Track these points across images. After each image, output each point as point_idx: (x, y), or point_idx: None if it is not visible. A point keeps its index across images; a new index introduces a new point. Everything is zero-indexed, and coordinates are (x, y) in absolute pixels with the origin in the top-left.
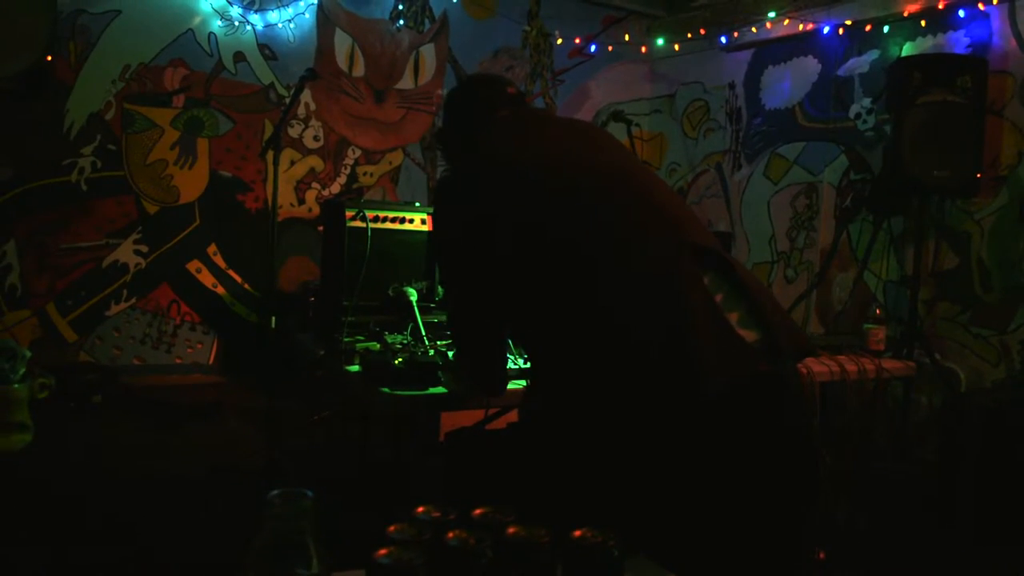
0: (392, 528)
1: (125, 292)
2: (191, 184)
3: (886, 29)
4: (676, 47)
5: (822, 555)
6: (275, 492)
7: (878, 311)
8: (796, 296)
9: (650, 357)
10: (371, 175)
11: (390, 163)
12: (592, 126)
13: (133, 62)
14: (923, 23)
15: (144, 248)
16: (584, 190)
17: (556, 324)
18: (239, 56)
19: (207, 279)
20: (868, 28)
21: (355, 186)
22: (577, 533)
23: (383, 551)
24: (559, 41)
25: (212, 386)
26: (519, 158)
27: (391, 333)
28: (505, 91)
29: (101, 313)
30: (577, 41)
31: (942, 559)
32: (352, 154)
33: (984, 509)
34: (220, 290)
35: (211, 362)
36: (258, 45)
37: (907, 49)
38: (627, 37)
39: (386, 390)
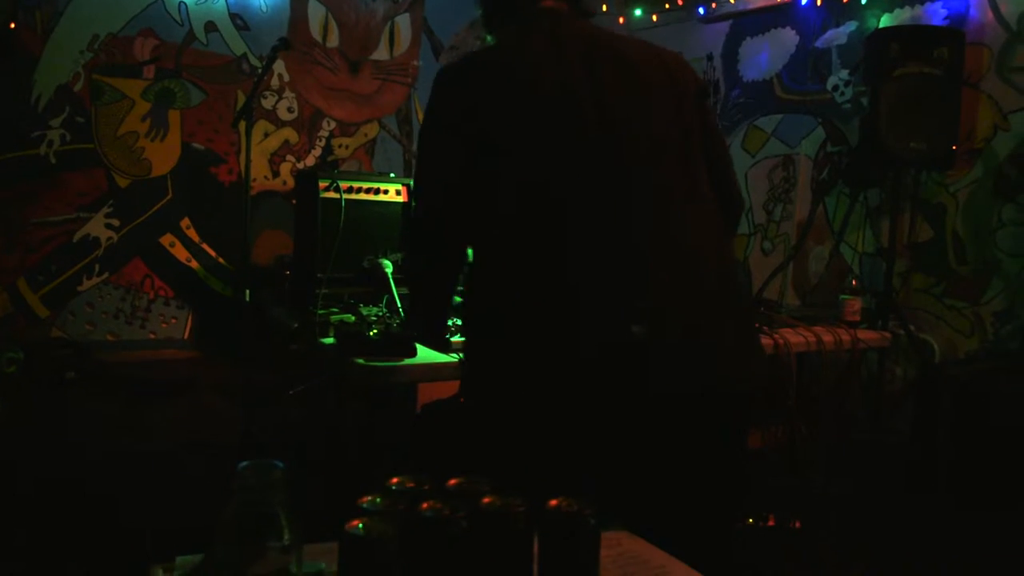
0: (365, 499)
1: (97, 267)
2: (163, 157)
3: (864, 0)
4: (654, 18)
5: (798, 524)
6: (245, 464)
7: (854, 282)
8: (773, 268)
9: (548, 313)
10: (346, 147)
11: (365, 135)
12: (651, 68)
13: (101, 32)
14: None
15: (116, 222)
16: (568, 137)
17: (479, 247)
18: (210, 26)
19: (181, 253)
20: None
21: (330, 158)
22: (553, 503)
23: (355, 522)
24: None
25: (187, 361)
26: (534, 71)
27: (366, 305)
28: None
29: (73, 288)
30: None
31: (916, 526)
32: (327, 126)
33: (957, 477)
34: (194, 264)
35: (185, 337)
36: (230, 15)
37: (885, 20)
38: (604, 8)
39: (361, 361)
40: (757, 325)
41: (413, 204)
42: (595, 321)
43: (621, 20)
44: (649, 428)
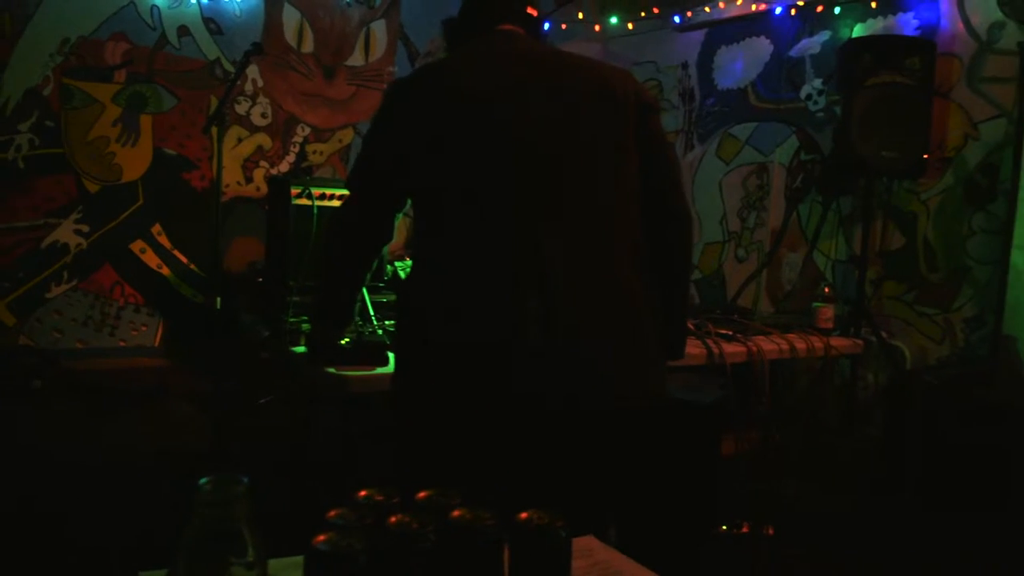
0: (333, 513)
1: (66, 274)
2: (134, 162)
3: (837, 10)
4: (630, 26)
5: (771, 530)
6: (206, 479)
7: (827, 290)
8: (747, 276)
9: (446, 312)
10: (321, 153)
11: (340, 141)
12: (586, 88)
13: (72, 35)
14: (873, 5)
15: (85, 228)
16: (490, 147)
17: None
18: (183, 30)
19: (151, 260)
20: (819, 9)
21: (304, 164)
22: (524, 515)
23: (322, 537)
24: None
25: (157, 369)
26: (471, 82)
27: None
28: (521, 9)
29: (41, 295)
30: None
31: (888, 531)
32: (301, 132)
33: (928, 482)
34: (165, 271)
35: (156, 344)
36: (203, 19)
37: (858, 30)
38: (580, 15)
39: (332, 370)
40: (731, 332)
41: (343, 204)
42: (489, 323)
43: (597, 28)
44: (532, 431)
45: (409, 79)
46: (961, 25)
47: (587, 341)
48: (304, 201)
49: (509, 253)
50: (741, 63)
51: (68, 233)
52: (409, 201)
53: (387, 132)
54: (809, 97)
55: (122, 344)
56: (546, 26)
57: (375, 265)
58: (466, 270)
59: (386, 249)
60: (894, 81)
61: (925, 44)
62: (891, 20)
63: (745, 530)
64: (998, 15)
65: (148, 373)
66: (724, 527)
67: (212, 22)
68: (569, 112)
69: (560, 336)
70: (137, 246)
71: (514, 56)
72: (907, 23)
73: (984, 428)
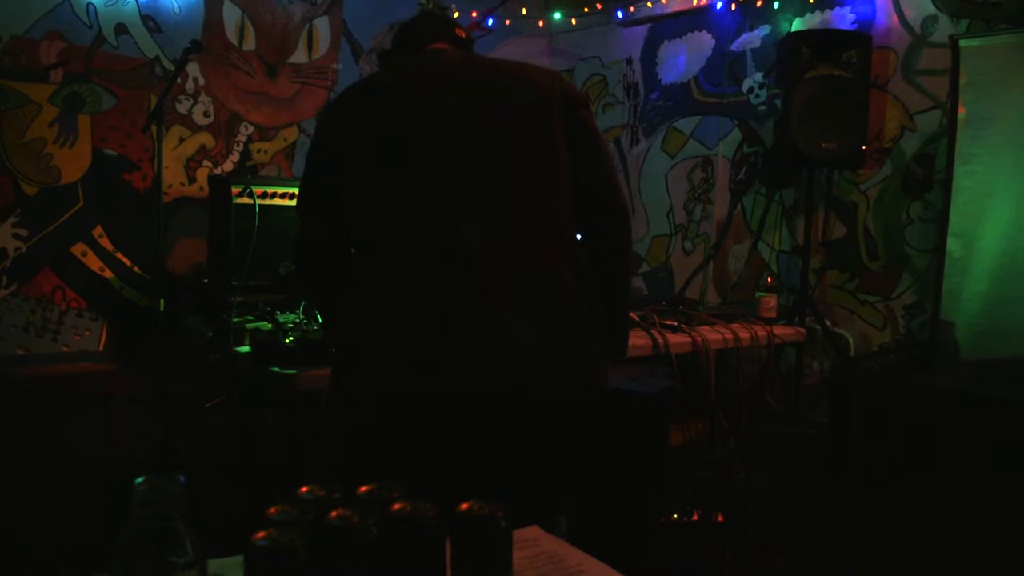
0: (273, 510)
1: (4, 279)
2: (73, 163)
3: (776, 5)
4: (573, 21)
5: (720, 517)
6: (142, 479)
7: (769, 280)
8: (694, 268)
9: (377, 317)
10: (265, 152)
11: (285, 139)
12: (510, 93)
13: (4, 34)
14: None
15: (23, 232)
16: (416, 153)
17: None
18: (121, 28)
19: (93, 263)
20: (759, 4)
21: (249, 163)
22: (464, 506)
23: (262, 533)
24: (456, 14)
25: (103, 374)
26: (398, 94)
27: (283, 312)
28: (450, 31)
29: None
30: (474, 15)
31: (835, 514)
32: (245, 131)
33: (872, 464)
34: (108, 274)
35: (100, 349)
36: (141, 17)
37: (796, 24)
38: (524, 11)
39: (276, 369)
40: (676, 323)
41: (299, 241)
42: (416, 326)
43: (541, 23)
44: (465, 425)
45: (338, 99)
46: (896, 19)
47: (515, 335)
48: (245, 200)
49: (434, 256)
50: (684, 58)
51: (6, 237)
52: None
53: (322, 153)
54: (751, 91)
55: (65, 350)
56: (490, 22)
57: None
58: (394, 276)
59: None
60: (832, 74)
61: (861, 37)
62: (828, 14)
63: (695, 518)
64: (931, 9)
65: (93, 378)
66: (674, 515)
67: (151, 20)
68: (492, 112)
69: (485, 332)
70: (78, 249)
71: (440, 66)
72: (843, 17)
73: (924, 410)
